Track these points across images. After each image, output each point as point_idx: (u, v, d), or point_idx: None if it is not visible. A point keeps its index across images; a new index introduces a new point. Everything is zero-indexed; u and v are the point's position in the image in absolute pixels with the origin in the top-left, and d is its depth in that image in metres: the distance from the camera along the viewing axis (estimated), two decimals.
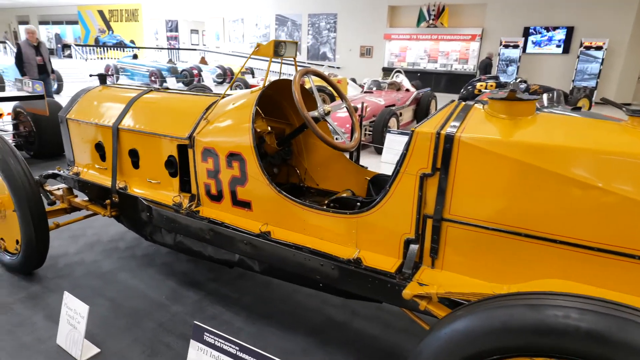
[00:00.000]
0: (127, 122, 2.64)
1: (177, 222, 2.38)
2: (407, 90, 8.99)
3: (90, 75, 3.60)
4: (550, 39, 15.40)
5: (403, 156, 1.69)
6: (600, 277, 1.43)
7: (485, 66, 13.97)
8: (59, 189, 3.14)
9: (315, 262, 1.90)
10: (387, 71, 16.61)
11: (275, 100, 2.79)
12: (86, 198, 3.01)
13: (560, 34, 15.14)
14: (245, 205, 2.21)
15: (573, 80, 14.89)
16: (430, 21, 17.54)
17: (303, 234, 2.05)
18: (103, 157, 2.83)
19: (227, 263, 2.40)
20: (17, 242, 2.74)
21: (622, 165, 1.35)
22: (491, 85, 11.41)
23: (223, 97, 2.37)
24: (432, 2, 17.16)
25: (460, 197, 1.61)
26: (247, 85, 12.23)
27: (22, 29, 7.43)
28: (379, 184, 2.49)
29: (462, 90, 11.90)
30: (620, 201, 1.33)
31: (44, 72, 7.75)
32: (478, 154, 1.55)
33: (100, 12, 26.92)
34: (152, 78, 15.46)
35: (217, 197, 2.32)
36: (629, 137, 1.47)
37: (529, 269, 1.54)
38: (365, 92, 8.49)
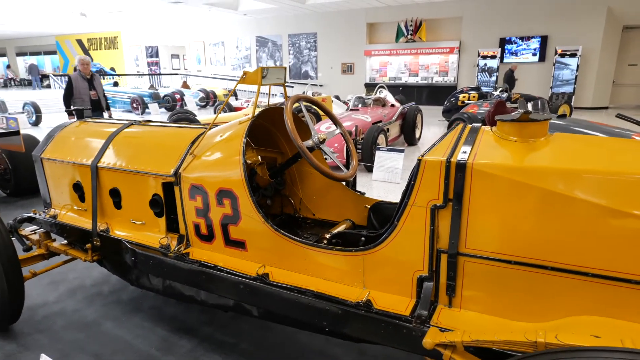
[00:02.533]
0: (107, 159, 2.45)
1: (165, 266, 2.18)
2: (392, 105, 8.97)
3: (67, 112, 3.42)
4: (525, 48, 15.76)
5: (411, 187, 1.56)
6: (634, 311, 1.30)
7: (508, 78, 13.75)
8: (34, 232, 2.91)
9: (321, 306, 1.73)
10: (370, 87, 16.74)
11: (264, 128, 2.65)
12: (65, 242, 2.79)
13: (534, 43, 15.49)
14: (239, 245, 2.04)
15: (551, 87, 15.18)
16: (409, 36, 17.81)
17: (305, 274, 1.88)
18: (82, 198, 2.63)
19: (221, 308, 2.21)
20: None
21: None
22: (473, 97, 11.52)
23: (210, 129, 2.21)
24: (409, 18, 17.45)
25: (476, 230, 1.47)
26: (232, 108, 12.09)
27: (76, 60, 6.77)
28: (380, 212, 2.35)
29: (445, 102, 11.99)
30: None
31: (98, 109, 6.67)
32: (494, 182, 1.42)
33: (79, 41, 26.68)
34: (134, 105, 15.23)
35: (207, 237, 2.14)
36: None
37: (555, 304, 1.40)
38: (351, 110, 8.43)
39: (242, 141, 1.97)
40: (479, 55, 16.11)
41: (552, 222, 1.35)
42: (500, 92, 11.74)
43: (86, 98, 6.47)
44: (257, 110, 2.16)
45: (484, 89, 13.00)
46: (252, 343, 2.46)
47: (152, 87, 17.51)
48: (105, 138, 2.57)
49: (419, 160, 1.53)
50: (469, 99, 11.28)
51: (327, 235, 2.16)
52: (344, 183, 2.58)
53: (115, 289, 3.10)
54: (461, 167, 1.46)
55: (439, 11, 16.71)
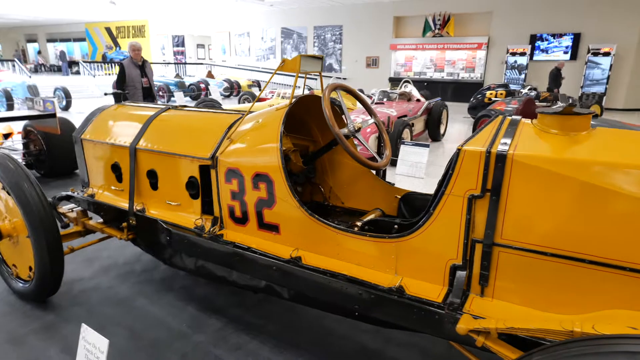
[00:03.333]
0: (145, 142, 2.53)
1: (199, 246, 2.26)
2: (418, 100, 8.89)
3: (105, 94, 3.53)
4: (557, 45, 15.31)
5: (449, 176, 1.57)
6: None
7: (554, 77, 13.11)
8: (72, 210, 3.04)
9: (352, 290, 1.76)
10: (394, 81, 16.57)
11: (297, 117, 2.69)
12: (101, 220, 2.90)
13: (567, 41, 15.04)
14: (273, 228, 2.09)
15: (582, 87, 14.75)
16: (436, 31, 17.53)
17: (337, 259, 1.91)
18: (119, 179, 2.73)
19: (252, 289, 2.27)
20: (30, 268, 2.63)
21: None
22: (501, 94, 11.30)
23: (247, 115, 2.26)
24: (437, 12, 17.16)
25: (513, 221, 1.47)
26: (255, 98, 12.19)
27: (127, 45, 6.63)
28: (411, 203, 2.36)
29: (472, 99, 11.79)
30: None
31: (149, 96, 6.54)
32: (535, 174, 1.42)
33: (108, 29, 27.26)
34: (160, 93, 15.51)
35: (241, 220, 2.19)
36: None
37: (588, 297, 1.40)
38: (376, 104, 8.40)
39: (280, 127, 2.01)
40: (507, 52, 15.76)
41: (590, 215, 1.35)
42: (529, 89, 11.48)
43: (138, 85, 6.33)
44: (294, 98, 2.19)
45: (512, 87, 12.72)
46: (279, 325, 2.52)
47: (177, 75, 17.79)
48: (143, 121, 2.65)
49: (459, 150, 1.54)
50: (496, 96, 11.07)
51: (359, 223, 2.19)
52: (374, 172, 2.60)
53: (147, 268, 3.21)
54: (501, 157, 1.46)
55: (468, 5, 16.37)
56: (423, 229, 1.66)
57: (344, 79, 19.42)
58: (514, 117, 1.71)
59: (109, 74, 20.87)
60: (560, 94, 11.23)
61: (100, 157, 2.82)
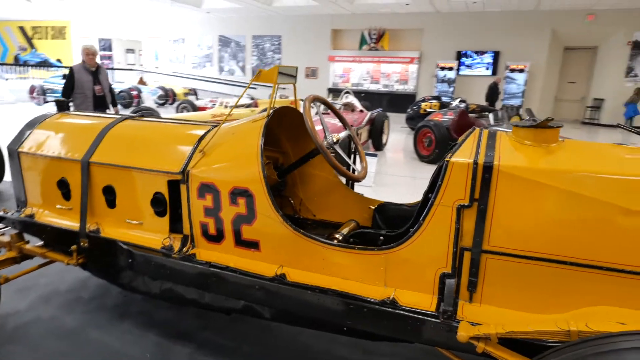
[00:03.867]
0: (100, 155, 2.31)
1: (168, 268, 2.09)
2: (361, 111, 9.15)
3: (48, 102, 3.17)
4: (479, 62, 16.65)
5: (437, 187, 1.61)
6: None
7: (492, 91, 14.11)
8: (3, 234, 2.68)
9: (343, 305, 1.74)
10: (334, 92, 16.90)
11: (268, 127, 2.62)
12: (41, 244, 2.58)
13: (488, 58, 16.42)
14: (252, 245, 2.00)
15: (502, 100, 16.13)
16: (372, 44, 18.24)
17: (323, 274, 1.87)
18: (67, 196, 2.46)
19: (227, 310, 2.15)
20: None
21: None
22: (435, 105, 11.99)
23: (220, 126, 2.15)
24: (372, 27, 17.88)
25: (499, 228, 1.55)
26: (195, 107, 11.76)
27: (80, 49, 5.73)
28: (386, 213, 2.39)
29: (408, 110, 12.38)
30: None
31: (102, 106, 5.78)
32: (519, 183, 1.51)
33: (21, 29, 24.77)
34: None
35: (216, 238, 2.07)
36: None
37: (572, 297, 1.51)
38: (323, 114, 8.47)
39: (260, 139, 1.94)
40: (437, 67, 16.81)
41: (570, 220, 1.45)
42: (459, 101, 12.33)
43: (89, 93, 5.59)
44: (272, 109, 2.13)
45: (444, 99, 13.56)
46: (254, 345, 2.41)
47: None
48: (96, 132, 2.42)
49: (447, 162, 1.59)
50: (430, 108, 11.73)
51: (337, 235, 2.18)
52: (344, 183, 2.61)
53: (95, 294, 2.92)
54: (488, 168, 1.53)
55: (401, 22, 17.26)
56: (413, 239, 1.68)
57: (283, 88, 19.43)
58: (490, 129, 1.80)
59: (23, 78, 18.96)
60: (484, 106, 12.19)
61: (42, 173, 2.52)
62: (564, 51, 15.44)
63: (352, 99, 10.99)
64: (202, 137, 2.19)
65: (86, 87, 5.55)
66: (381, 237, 1.88)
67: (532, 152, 1.61)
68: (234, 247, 2.04)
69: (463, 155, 1.60)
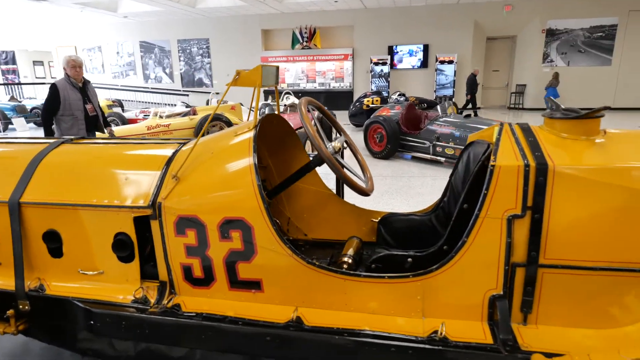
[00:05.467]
0: (35, 192, 1.80)
1: (146, 326, 1.66)
2: (308, 111, 8.87)
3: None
4: (410, 55, 17.15)
5: (483, 197, 1.37)
6: None
7: (471, 83, 14.13)
8: None
9: (381, 349, 1.44)
10: (268, 94, 16.51)
11: None
12: None
13: (419, 51, 16.94)
14: (252, 285, 1.64)
15: (435, 91, 16.75)
16: (304, 43, 18.05)
17: (346, 310, 1.57)
18: None
19: None
20: None
21: None
22: (376, 100, 12.07)
23: (195, 143, 1.74)
24: (303, 26, 17.68)
25: (557, 238, 1.35)
26: (124, 120, 10.75)
27: (63, 60, 4.15)
28: (392, 225, 2.13)
29: (351, 107, 12.34)
30: None
31: (95, 128, 4.71)
32: (578, 185, 1.31)
33: None
34: None
35: (204, 281, 1.68)
36: None
37: (637, 307, 1.35)
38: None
39: (252, 157, 1.58)
40: (371, 62, 17.03)
41: (635, 222, 1.29)
42: (398, 95, 12.53)
43: (79, 114, 4.45)
44: (259, 118, 1.77)
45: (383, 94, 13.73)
46: None
47: (13, 98, 14.77)
48: (24, 163, 1.90)
49: (492, 166, 1.36)
50: (372, 103, 11.77)
51: (346, 259, 1.88)
52: (335, 195, 2.31)
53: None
54: (542, 171, 1.32)
55: (331, 20, 17.24)
56: (455, 259, 1.43)
57: (217, 93, 18.63)
58: (519, 123, 1.60)
59: None
60: (422, 98, 12.51)
61: None
62: (487, 41, 16.33)
63: (292, 99, 10.71)
64: (170, 159, 1.77)
65: (75, 107, 4.41)
66: (409, 259, 1.62)
67: (581, 147, 1.43)
68: (229, 290, 1.66)
69: (508, 157, 1.38)
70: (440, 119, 7.50)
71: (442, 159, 7.00)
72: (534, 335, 1.40)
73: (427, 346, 1.40)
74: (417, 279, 1.48)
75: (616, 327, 1.35)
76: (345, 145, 2.07)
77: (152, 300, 1.70)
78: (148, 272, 1.79)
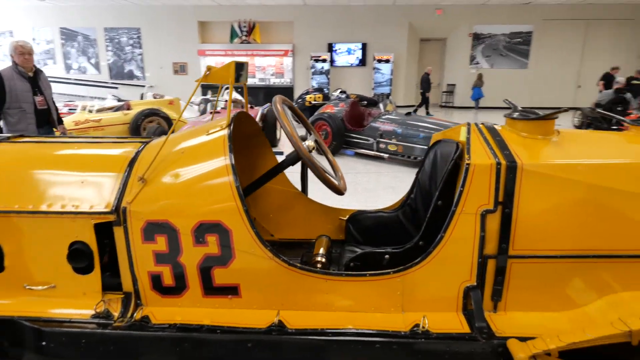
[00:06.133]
0: None
1: (111, 342, 1.53)
2: (252, 107, 8.71)
3: None
4: (349, 53, 17.48)
5: (459, 193, 1.44)
6: None
7: (425, 81, 14.57)
8: None
9: (366, 345, 1.46)
10: (211, 89, 15.97)
11: None
12: None
13: (357, 50, 17.32)
14: (229, 291, 1.58)
15: (373, 89, 17.25)
16: (243, 37, 17.65)
17: (328, 310, 1.57)
18: None
19: None
20: None
21: None
22: (319, 97, 12.16)
23: (164, 142, 1.62)
24: (242, 19, 17.27)
25: (524, 230, 1.46)
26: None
27: (9, 46, 3.45)
28: (361, 223, 2.16)
29: (294, 104, 12.32)
30: None
31: (46, 123, 4.11)
32: (542, 181, 1.43)
33: None
34: None
35: (175, 290, 1.59)
36: None
37: (593, 289, 1.50)
38: (213, 112, 7.79)
39: (229, 156, 1.51)
40: (311, 59, 17.10)
41: (591, 212, 1.43)
42: (340, 92, 12.72)
43: (28, 107, 3.92)
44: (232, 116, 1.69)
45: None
46: None
47: None
48: None
49: (468, 165, 1.43)
50: (315, 100, 11.84)
51: (319, 259, 1.87)
52: (299, 193, 2.29)
53: None
54: (512, 168, 1.42)
55: (271, 14, 17.02)
56: (433, 254, 1.49)
57: (151, 86, 17.62)
58: (484, 123, 1.70)
59: None
60: (362, 95, 12.84)
61: None
62: (420, 42, 17.13)
63: (235, 95, 10.44)
64: (133, 160, 1.64)
65: (23, 99, 3.90)
66: (386, 256, 1.65)
67: (541, 146, 1.55)
68: (203, 297, 1.59)
69: (481, 156, 1.45)
70: (383, 117, 7.73)
71: (385, 155, 7.23)
72: (505, 322, 1.50)
73: (410, 340, 1.45)
74: (397, 275, 1.52)
75: (577, 307, 1.49)
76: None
77: (116, 314, 1.57)
78: (106, 283, 1.65)
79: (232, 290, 1.57)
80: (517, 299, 1.53)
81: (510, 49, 16.29)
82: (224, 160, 1.51)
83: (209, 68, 1.63)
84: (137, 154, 1.67)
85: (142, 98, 12.33)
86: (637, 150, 1.55)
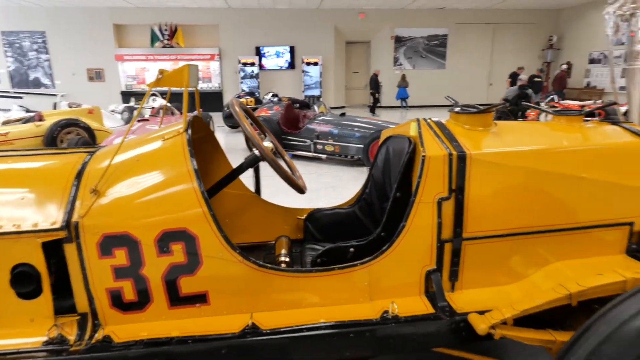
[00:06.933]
0: None
1: None
2: (182, 113, 8.38)
3: None
4: (277, 56, 17.50)
5: (417, 184, 1.55)
6: (583, 249, 1.70)
7: (374, 83, 15.11)
8: None
9: (341, 337, 1.51)
10: (136, 96, 15.08)
11: None
12: None
13: (286, 53, 17.40)
14: (197, 299, 1.53)
15: (303, 91, 17.45)
16: (165, 41, 16.89)
17: (300, 307, 1.59)
18: None
19: None
20: None
21: (594, 154, 1.65)
22: (251, 101, 12.04)
23: (117, 150, 1.53)
24: (162, 22, 16.53)
25: (475, 213, 1.60)
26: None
27: None
28: (319, 221, 2.20)
29: (225, 109, 12.05)
30: (601, 184, 1.62)
31: None
32: (487, 168, 1.58)
33: None
34: None
35: (137, 305, 1.51)
36: (576, 132, 1.81)
37: (533, 262, 1.68)
38: (141, 121, 7.38)
39: (190, 161, 1.47)
40: (239, 62, 16.85)
41: (532, 194, 1.61)
42: (272, 96, 12.69)
43: None
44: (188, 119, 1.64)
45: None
46: None
47: None
48: None
49: (424, 157, 1.54)
50: (247, 104, 11.69)
51: (283, 258, 1.89)
52: (253, 194, 2.28)
53: None
54: (462, 158, 1.55)
55: (194, 18, 16.49)
56: (396, 243, 1.58)
57: (62, 95, 16.16)
58: (432, 118, 1.83)
59: None
60: (294, 98, 12.94)
61: None
62: (346, 45, 17.65)
63: (159, 101, 9.99)
64: (81, 172, 1.54)
65: None
66: (351, 250, 1.70)
67: (482, 137, 1.71)
68: (169, 309, 1.53)
69: (434, 148, 1.57)
70: (319, 118, 7.87)
71: (323, 156, 7.37)
72: (464, 299, 1.63)
73: (381, 326, 1.52)
74: (364, 267, 1.58)
75: (524, 278, 1.67)
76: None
77: (72, 338, 1.45)
78: (56, 306, 1.52)
79: (200, 299, 1.53)
80: (472, 278, 1.67)
81: (430, 51, 17.42)
82: (185, 166, 1.47)
83: (161, 72, 1.57)
84: (85, 164, 1.56)
85: (55, 108, 11.30)
86: (561, 137, 1.77)
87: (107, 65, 16.73)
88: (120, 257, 1.44)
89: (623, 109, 4.21)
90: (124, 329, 1.50)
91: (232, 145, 9.35)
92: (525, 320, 1.50)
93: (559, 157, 1.62)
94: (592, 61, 15.61)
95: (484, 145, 1.65)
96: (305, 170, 7.02)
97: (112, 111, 11.59)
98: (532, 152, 1.62)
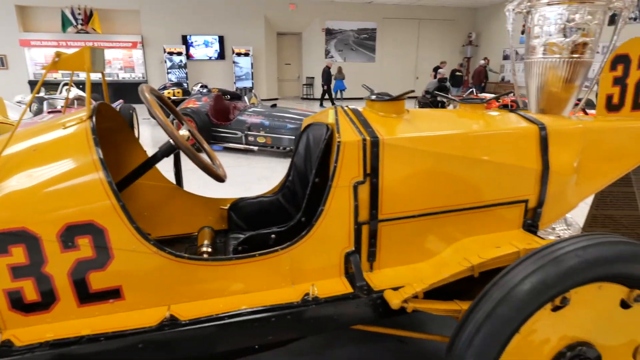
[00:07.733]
0: None
1: None
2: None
3: None
4: (206, 46, 16.88)
5: (334, 169, 1.60)
6: (486, 225, 1.87)
7: (327, 75, 14.84)
8: None
9: (262, 322, 1.52)
10: (47, 86, 13.70)
11: None
12: None
13: (215, 43, 16.82)
14: (110, 295, 1.46)
15: (235, 82, 17.04)
16: (80, 26, 15.55)
17: (221, 296, 1.58)
18: None
19: None
20: None
21: (494, 139, 1.81)
22: (178, 92, 11.50)
23: (7, 143, 1.39)
24: (75, 5, 15.18)
25: (389, 196, 1.69)
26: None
27: None
28: (243, 210, 2.18)
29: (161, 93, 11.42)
30: (501, 166, 1.78)
31: None
32: (399, 152, 1.67)
33: None
34: None
35: (41, 305, 1.40)
36: (479, 118, 1.97)
37: (442, 239, 1.82)
38: (52, 112, 6.74)
39: (95, 149, 1.39)
40: (165, 52, 16.02)
41: (440, 176, 1.73)
42: (200, 86, 12.24)
43: None
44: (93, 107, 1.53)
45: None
46: None
47: None
48: None
49: (339, 143, 1.59)
50: (174, 95, 11.16)
51: (205, 249, 1.85)
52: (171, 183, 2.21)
53: None
54: (375, 143, 1.62)
55: (111, 2, 15.34)
56: (316, 227, 1.62)
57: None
58: (349, 106, 1.89)
59: None
60: (224, 89, 12.59)
61: None
62: (277, 36, 17.50)
63: (75, 92, 9.21)
64: None
65: None
66: (272, 236, 1.71)
67: (396, 123, 1.80)
68: (78, 307, 1.44)
69: (349, 134, 1.63)
70: (249, 110, 7.74)
71: (255, 148, 7.28)
72: (380, 278, 1.72)
73: (302, 308, 1.55)
74: (284, 252, 1.61)
75: (435, 255, 1.79)
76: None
77: None
78: None
79: (113, 294, 1.46)
80: (389, 257, 1.76)
81: (360, 44, 17.84)
82: (90, 156, 1.38)
83: (57, 54, 1.45)
84: None
85: None
86: (467, 123, 1.92)
87: (11, 52, 15.04)
88: (18, 255, 1.33)
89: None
90: (27, 332, 1.38)
91: (159, 139, 8.90)
92: (437, 294, 1.62)
93: (464, 142, 1.76)
94: (505, 57, 17.03)
95: (396, 130, 1.74)
96: (236, 163, 6.90)
97: (19, 102, 10.47)
98: (440, 137, 1.73)
